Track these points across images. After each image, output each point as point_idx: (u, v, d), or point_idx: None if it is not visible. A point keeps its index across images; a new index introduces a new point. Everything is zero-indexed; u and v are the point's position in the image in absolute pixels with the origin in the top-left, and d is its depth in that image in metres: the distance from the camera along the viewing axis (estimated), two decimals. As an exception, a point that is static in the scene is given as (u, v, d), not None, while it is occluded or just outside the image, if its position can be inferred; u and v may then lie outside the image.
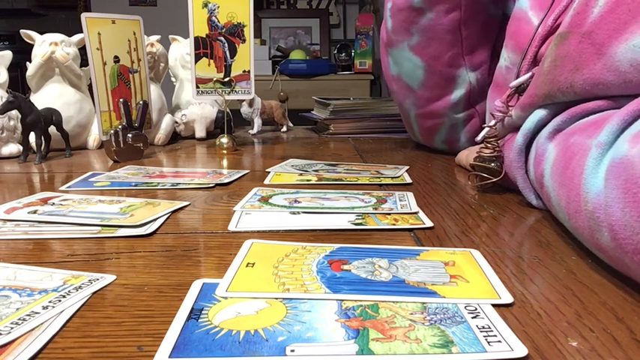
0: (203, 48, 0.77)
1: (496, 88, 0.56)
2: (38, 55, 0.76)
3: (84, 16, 0.73)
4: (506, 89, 0.49)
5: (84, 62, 0.78)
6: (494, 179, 0.47)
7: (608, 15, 0.34)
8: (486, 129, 0.50)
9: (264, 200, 0.47)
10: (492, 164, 0.48)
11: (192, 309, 0.25)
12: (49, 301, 0.26)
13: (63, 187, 0.54)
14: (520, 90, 0.47)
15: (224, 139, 0.78)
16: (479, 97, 0.69)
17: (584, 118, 0.37)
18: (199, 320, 0.24)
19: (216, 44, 0.77)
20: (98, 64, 0.74)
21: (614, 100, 0.36)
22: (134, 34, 0.78)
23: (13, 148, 0.74)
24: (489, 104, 0.57)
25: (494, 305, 0.26)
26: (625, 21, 0.33)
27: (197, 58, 0.77)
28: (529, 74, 0.46)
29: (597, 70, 0.35)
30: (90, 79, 0.74)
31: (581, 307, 0.26)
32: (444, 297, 0.27)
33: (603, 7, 0.35)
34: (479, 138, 0.51)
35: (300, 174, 0.59)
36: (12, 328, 0.23)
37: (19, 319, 0.24)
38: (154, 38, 0.91)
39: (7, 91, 0.69)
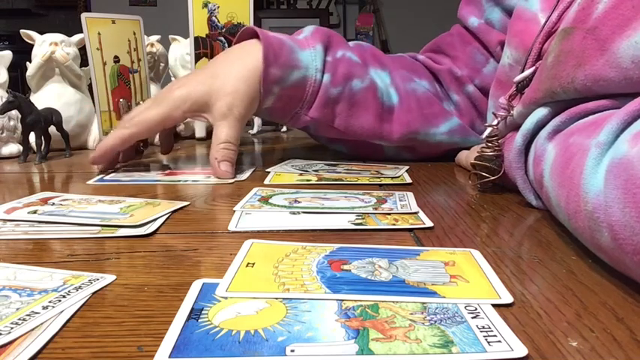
0: (203, 48, 0.77)
1: (499, 86, 0.56)
2: (38, 55, 0.76)
3: (84, 16, 0.73)
4: (509, 87, 0.49)
5: (84, 62, 0.78)
6: (493, 177, 0.47)
7: (613, 11, 0.34)
8: (489, 128, 0.50)
9: (264, 200, 0.47)
10: (493, 163, 0.48)
11: (192, 309, 0.25)
12: (49, 301, 0.26)
13: (91, 182, 0.56)
14: (521, 87, 0.47)
15: (224, 139, 0.78)
16: None
17: (583, 118, 0.37)
18: (199, 320, 0.24)
19: (216, 44, 0.77)
20: (98, 64, 0.74)
21: (614, 99, 0.36)
22: (134, 34, 0.78)
23: (13, 148, 0.74)
24: (492, 102, 0.57)
25: (494, 305, 0.26)
26: (628, 17, 0.33)
27: (197, 58, 0.77)
28: (532, 68, 0.46)
29: (599, 66, 0.35)
30: (90, 79, 0.74)
31: (581, 307, 0.26)
32: (444, 297, 0.27)
33: (608, 3, 0.35)
34: (482, 137, 0.51)
35: (300, 174, 0.59)
36: (12, 328, 0.23)
37: (19, 319, 0.24)
38: (154, 38, 0.91)
39: (7, 91, 0.69)
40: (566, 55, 0.38)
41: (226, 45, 0.80)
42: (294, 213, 0.43)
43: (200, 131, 0.90)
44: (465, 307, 0.26)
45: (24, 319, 0.24)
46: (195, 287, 0.28)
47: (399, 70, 0.68)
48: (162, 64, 0.92)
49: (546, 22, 0.46)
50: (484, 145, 0.49)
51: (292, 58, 0.60)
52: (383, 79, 0.65)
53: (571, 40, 0.38)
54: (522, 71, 0.48)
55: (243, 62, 0.60)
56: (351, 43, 0.68)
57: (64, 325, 0.24)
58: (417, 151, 0.68)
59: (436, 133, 0.66)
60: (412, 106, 0.65)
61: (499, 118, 0.49)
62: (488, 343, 0.22)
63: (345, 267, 0.31)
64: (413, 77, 0.68)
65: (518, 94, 0.48)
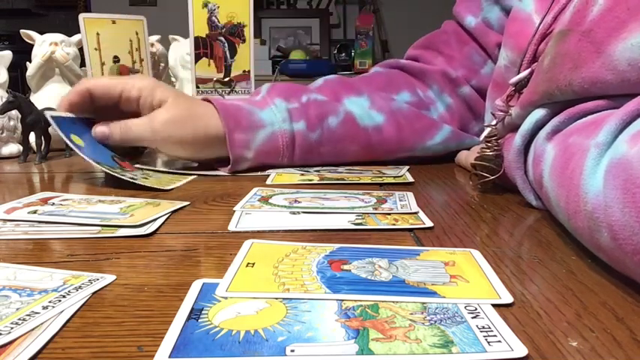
0: (203, 48, 0.77)
1: (496, 87, 0.56)
2: (38, 55, 0.76)
3: (81, 16, 0.73)
4: (505, 88, 0.49)
5: (84, 62, 0.78)
6: (493, 177, 0.47)
7: (608, 13, 0.35)
8: (488, 129, 0.50)
9: (264, 200, 0.47)
10: (492, 163, 0.48)
11: (192, 309, 0.25)
12: (49, 301, 0.26)
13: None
14: (519, 88, 0.47)
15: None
16: None
17: (582, 118, 0.37)
18: (199, 320, 0.24)
19: (216, 44, 0.77)
20: (96, 65, 0.74)
21: (612, 100, 0.36)
22: (136, 34, 0.78)
23: (13, 148, 0.74)
24: (489, 104, 0.57)
25: (494, 305, 0.26)
26: (624, 20, 0.33)
27: (197, 58, 0.77)
28: (529, 70, 0.46)
29: (596, 68, 0.35)
30: (90, 79, 0.74)
31: (581, 307, 0.26)
32: (444, 297, 0.27)
33: (603, 5, 0.35)
34: (481, 138, 0.51)
35: (302, 174, 0.59)
36: (12, 328, 0.23)
37: (19, 319, 0.24)
38: (154, 38, 0.91)
39: (7, 91, 0.69)
40: (562, 58, 0.38)
41: (226, 45, 0.80)
42: (294, 213, 0.43)
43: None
44: (465, 307, 0.26)
45: (24, 319, 0.24)
46: (195, 287, 0.28)
47: (377, 92, 0.66)
48: (162, 64, 0.92)
49: (540, 23, 0.46)
50: (484, 145, 0.49)
51: (253, 120, 0.59)
52: (361, 104, 0.64)
53: (567, 42, 0.38)
54: (518, 73, 0.48)
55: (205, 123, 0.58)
56: (317, 82, 0.67)
57: (64, 325, 0.24)
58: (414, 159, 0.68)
59: (431, 146, 0.66)
60: (401, 122, 0.65)
61: (497, 119, 0.49)
62: (488, 343, 0.22)
63: (345, 267, 0.31)
64: (392, 96, 0.67)
65: (516, 95, 0.48)
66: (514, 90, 0.48)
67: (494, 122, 0.49)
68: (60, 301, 0.26)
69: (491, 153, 0.48)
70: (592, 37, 0.35)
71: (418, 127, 0.65)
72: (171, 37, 0.96)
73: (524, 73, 0.47)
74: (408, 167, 0.62)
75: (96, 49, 0.74)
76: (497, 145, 0.48)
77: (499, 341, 0.22)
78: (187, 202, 0.47)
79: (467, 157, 0.61)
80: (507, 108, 0.48)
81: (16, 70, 0.87)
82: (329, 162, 0.64)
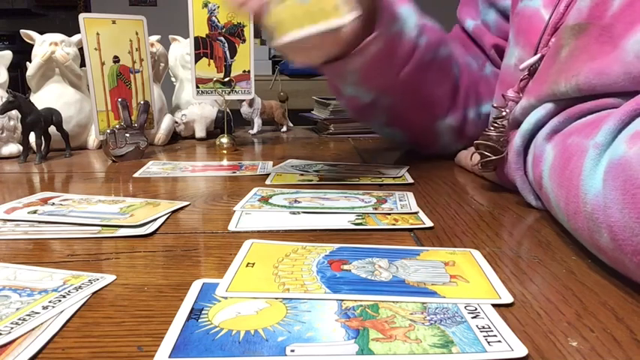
0: (203, 48, 0.77)
1: (504, 87, 0.56)
2: (38, 55, 0.76)
3: (82, 16, 0.73)
4: (514, 86, 0.49)
5: (84, 62, 0.78)
6: (496, 157, 0.47)
7: (627, 8, 0.35)
8: (496, 111, 0.49)
9: (264, 200, 0.47)
10: (496, 144, 0.47)
11: (192, 309, 0.25)
12: (49, 301, 0.26)
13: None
14: (532, 71, 0.47)
15: (224, 139, 0.78)
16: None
17: (581, 118, 0.37)
18: (199, 320, 0.24)
19: (216, 44, 0.77)
20: (95, 64, 0.73)
21: (611, 99, 0.36)
22: (137, 34, 0.78)
23: (13, 148, 0.74)
24: (497, 100, 0.57)
25: (494, 305, 0.26)
26: None
27: (197, 58, 0.77)
28: (538, 55, 0.46)
29: (608, 61, 0.35)
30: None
31: (581, 307, 0.26)
32: (444, 297, 0.27)
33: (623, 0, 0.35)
34: (490, 119, 0.50)
35: (302, 174, 0.59)
36: (12, 328, 0.23)
37: (19, 319, 0.24)
38: (154, 38, 0.91)
39: (7, 91, 0.69)
40: (580, 51, 0.38)
41: (226, 45, 0.80)
42: (294, 213, 0.43)
43: (200, 131, 0.90)
44: (465, 307, 0.26)
45: (24, 319, 0.24)
46: (195, 287, 0.28)
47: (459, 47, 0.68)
48: (162, 64, 0.92)
49: (552, 13, 0.46)
50: (489, 126, 0.49)
51: (393, 10, 0.57)
52: (451, 50, 0.65)
53: (587, 36, 0.38)
54: (530, 68, 0.47)
55: None
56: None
57: (64, 325, 0.24)
58: (465, 135, 0.68)
59: (482, 111, 0.67)
60: (467, 80, 0.66)
61: (508, 106, 0.49)
62: (489, 343, 0.22)
63: (345, 267, 0.31)
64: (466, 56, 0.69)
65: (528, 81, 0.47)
66: (528, 74, 0.48)
67: (502, 109, 0.49)
68: (60, 301, 0.26)
69: (496, 133, 0.48)
70: (611, 32, 0.36)
71: (479, 90, 0.66)
72: (171, 37, 0.96)
73: (534, 58, 0.46)
74: (407, 167, 0.62)
75: (96, 49, 0.74)
76: (502, 126, 0.48)
77: (499, 341, 0.22)
78: (187, 202, 0.47)
79: (466, 157, 0.61)
80: (518, 98, 0.48)
81: (16, 70, 0.87)
82: (422, 97, 0.62)
